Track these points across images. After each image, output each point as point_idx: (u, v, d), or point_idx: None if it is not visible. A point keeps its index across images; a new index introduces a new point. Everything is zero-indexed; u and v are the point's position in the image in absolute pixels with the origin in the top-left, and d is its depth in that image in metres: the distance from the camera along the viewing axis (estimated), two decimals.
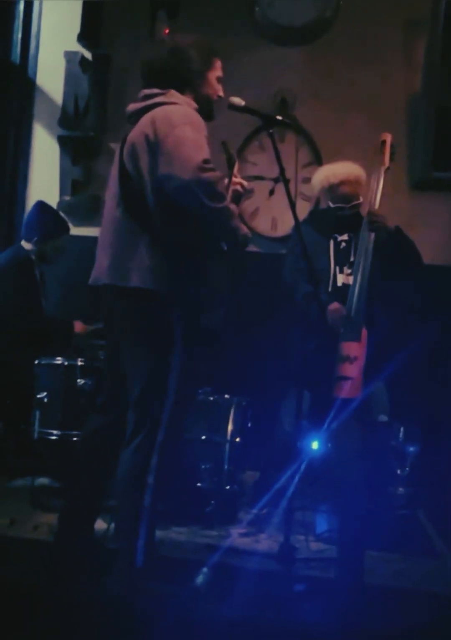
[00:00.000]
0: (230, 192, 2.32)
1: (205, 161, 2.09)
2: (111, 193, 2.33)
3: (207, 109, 2.35)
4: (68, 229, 3.75)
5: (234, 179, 2.36)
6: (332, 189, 3.17)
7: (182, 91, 2.30)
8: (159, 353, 2.22)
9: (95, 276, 2.33)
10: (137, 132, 2.23)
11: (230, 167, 2.37)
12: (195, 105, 2.29)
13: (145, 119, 2.22)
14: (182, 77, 2.30)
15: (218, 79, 2.38)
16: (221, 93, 2.39)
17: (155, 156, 2.15)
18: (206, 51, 2.33)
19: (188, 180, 2.06)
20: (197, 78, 2.32)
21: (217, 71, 2.37)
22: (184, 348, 2.21)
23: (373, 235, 3.03)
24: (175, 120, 2.16)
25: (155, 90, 2.28)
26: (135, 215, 2.23)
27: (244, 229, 2.27)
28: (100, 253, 2.33)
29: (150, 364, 2.23)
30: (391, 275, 3.16)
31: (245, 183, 2.40)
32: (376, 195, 3.07)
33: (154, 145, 2.15)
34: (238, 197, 2.36)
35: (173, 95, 2.27)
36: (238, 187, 2.36)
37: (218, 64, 2.37)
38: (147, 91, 2.30)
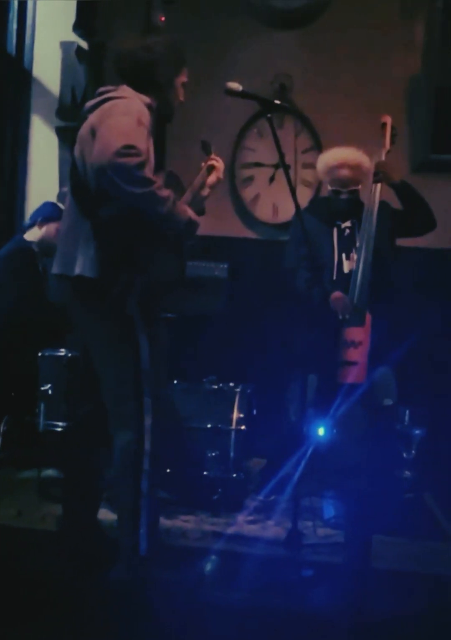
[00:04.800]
0: (200, 176, 2.40)
1: (126, 147, 2.06)
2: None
3: (168, 112, 2.40)
4: None
5: (204, 165, 2.43)
6: (330, 172, 3.16)
7: (144, 89, 2.30)
8: (119, 343, 2.24)
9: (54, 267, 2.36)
10: (85, 125, 2.28)
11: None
12: (146, 100, 2.29)
13: (94, 112, 2.26)
14: (152, 79, 2.31)
15: (183, 85, 2.41)
16: (182, 98, 2.42)
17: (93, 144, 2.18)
18: (179, 56, 2.36)
19: (103, 164, 2.07)
20: (166, 82, 2.34)
21: (183, 77, 2.40)
22: (146, 334, 2.22)
23: (376, 207, 3.01)
24: (114, 110, 2.19)
25: (110, 87, 2.32)
26: (80, 204, 2.26)
27: (188, 215, 2.24)
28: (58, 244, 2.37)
29: (113, 355, 2.25)
30: (402, 233, 3.15)
31: (220, 165, 2.44)
32: None
33: (94, 135, 2.18)
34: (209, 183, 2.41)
35: (124, 90, 2.29)
36: (214, 163, 2.41)
37: (185, 70, 2.40)
38: (102, 89, 2.34)
